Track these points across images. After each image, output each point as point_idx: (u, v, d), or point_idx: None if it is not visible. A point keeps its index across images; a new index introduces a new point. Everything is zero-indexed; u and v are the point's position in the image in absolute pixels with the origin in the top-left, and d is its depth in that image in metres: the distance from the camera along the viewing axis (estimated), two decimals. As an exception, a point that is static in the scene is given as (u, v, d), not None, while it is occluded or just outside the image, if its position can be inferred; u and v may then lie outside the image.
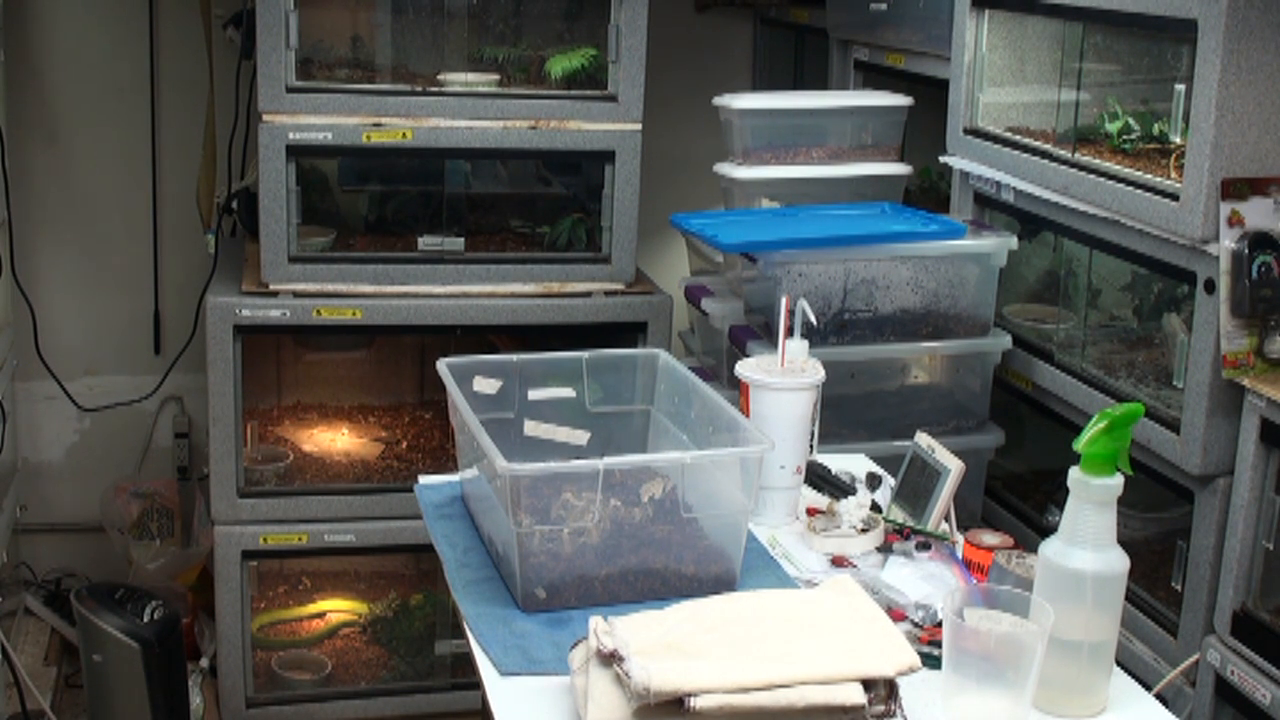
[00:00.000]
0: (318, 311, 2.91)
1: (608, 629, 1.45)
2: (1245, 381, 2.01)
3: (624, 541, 1.69)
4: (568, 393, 2.02)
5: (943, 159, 2.79)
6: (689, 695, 1.36)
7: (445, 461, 3.21)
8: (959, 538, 1.89)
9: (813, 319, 2.09)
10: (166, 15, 3.52)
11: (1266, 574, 2.04)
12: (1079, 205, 2.36)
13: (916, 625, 1.66)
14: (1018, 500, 2.69)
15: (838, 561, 1.86)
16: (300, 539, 3.03)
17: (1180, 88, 2.17)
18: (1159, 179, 2.19)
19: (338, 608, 3.34)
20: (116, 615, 2.81)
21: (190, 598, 3.40)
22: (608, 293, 3.04)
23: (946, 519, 1.92)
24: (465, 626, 1.68)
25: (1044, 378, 2.53)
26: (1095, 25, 2.42)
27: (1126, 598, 1.54)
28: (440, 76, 2.97)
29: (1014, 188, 2.55)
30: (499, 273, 3.00)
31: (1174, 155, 2.18)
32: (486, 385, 1.96)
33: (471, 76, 2.97)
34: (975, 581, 1.78)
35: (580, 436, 1.98)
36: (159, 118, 3.56)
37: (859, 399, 2.58)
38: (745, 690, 1.37)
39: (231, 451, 2.95)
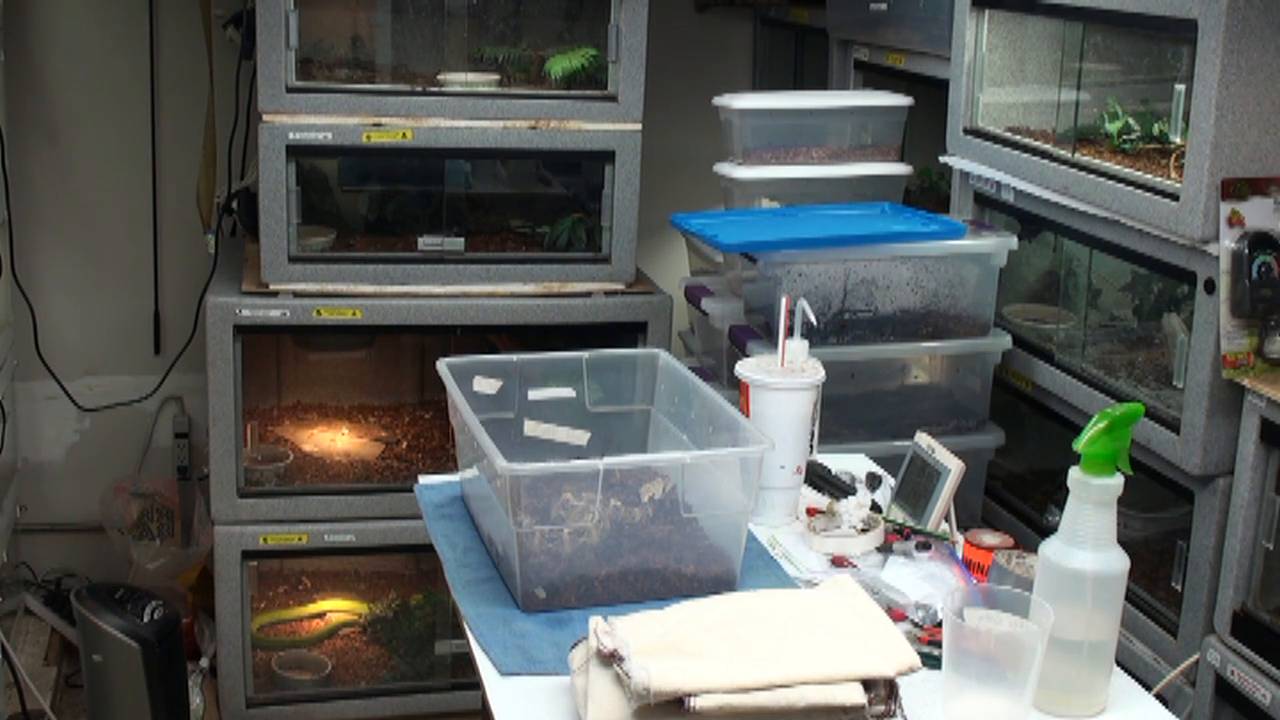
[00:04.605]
0: (318, 311, 2.91)
1: (608, 629, 1.45)
2: (1245, 381, 2.01)
3: (624, 541, 1.69)
4: (568, 393, 2.02)
5: (943, 159, 2.79)
6: (689, 695, 1.36)
7: (445, 461, 3.21)
8: (959, 538, 1.89)
9: (813, 319, 2.09)
10: (166, 15, 3.52)
11: (1266, 574, 2.04)
12: (1079, 205, 2.36)
13: (916, 625, 1.66)
14: (1018, 500, 2.69)
15: (838, 561, 1.86)
16: (300, 539, 3.03)
17: (1180, 88, 2.17)
18: (1159, 179, 2.19)
19: (338, 608, 3.34)
20: (116, 615, 2.81)
21: (190, 598, 3.40)
22: (608, 293, 3.04)
23: (946, 519, 1.92)
24: (465, 626, 1.68)
25: (1044, 378, 2.53)
26: (1095, 25, 2.42)
27: (1126, 598, 1.54)
28: (440, 76, 2.97)
29: (1014, 188, 2.55)
30: (499, 273, 3.00)
31: (1174, 155, 2.18)
32: (486, 385, 1.96)
33: (471, 76, 2.97)
34: (975, 581, 1.78)
35: (580, 436, 1.98)
36: (159, 118, 3.56)
37: (859, 399, 2.58)
38: (745, 690, 1.37)
39: (231, 451, 2.95)
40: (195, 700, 3.09)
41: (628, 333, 3.06)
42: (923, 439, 1.97)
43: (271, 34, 2.77)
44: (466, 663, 2.93)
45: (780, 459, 1.93)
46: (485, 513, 1.86)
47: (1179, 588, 2.21)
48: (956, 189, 2.79)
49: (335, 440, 3.36)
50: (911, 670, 1.44)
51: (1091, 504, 1.48)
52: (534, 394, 2.00)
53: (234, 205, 3.29)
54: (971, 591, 1.49)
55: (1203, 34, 2.01)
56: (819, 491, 2.06)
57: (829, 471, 2.11)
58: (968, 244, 2.53)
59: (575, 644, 1.49)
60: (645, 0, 2.91)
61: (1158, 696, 1.63)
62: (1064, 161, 2.41)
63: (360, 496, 3.07)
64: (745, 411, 1.95)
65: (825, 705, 1.38)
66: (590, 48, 3.00)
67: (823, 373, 1.98)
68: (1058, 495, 2.56)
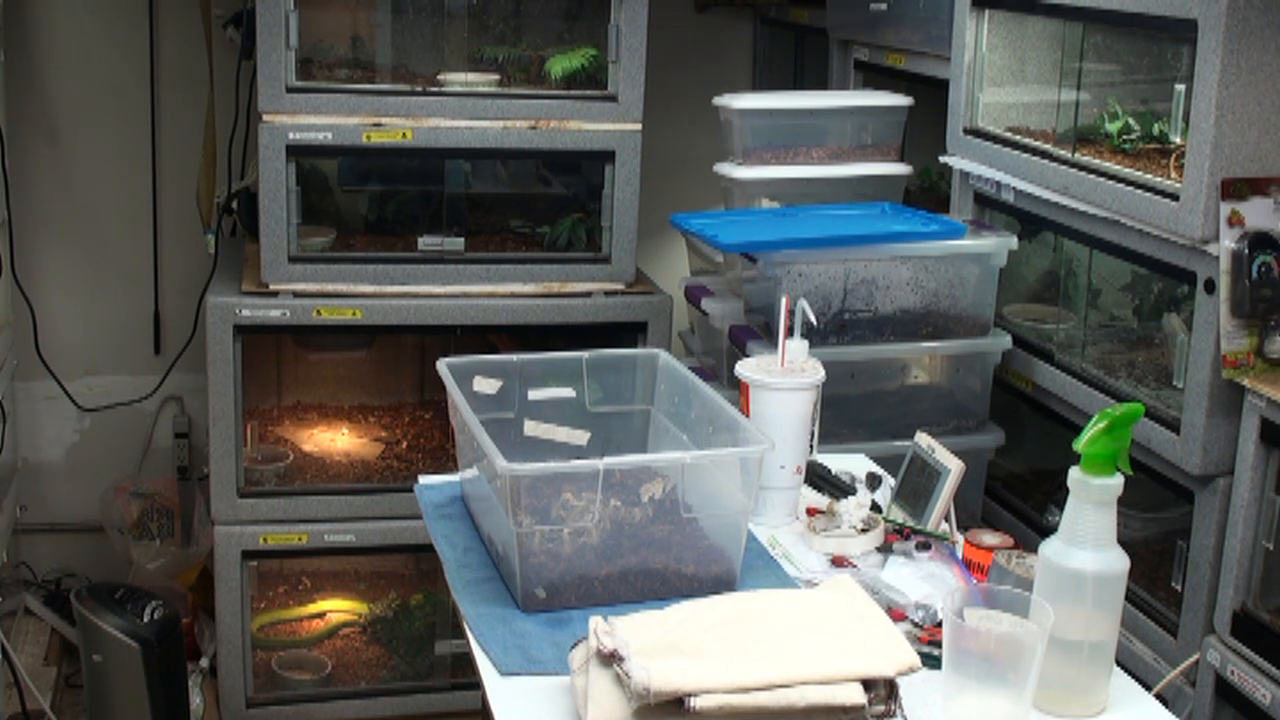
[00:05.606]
0: (318, 311, 2.91)
1: (608, 629, 1.45)
2: (1245, 381, 2.01)
3: (624, 541, 1.69)
4: (568, 393, 2.02)
5: (943, 159, 2.79)
6: (689, 695, 1.36)
7: (445, 461, 3.21)
8: (959, 538, 1.89)
9: (813, 319, 2.09)
10: (166, 15, 3.52)
11: (1266, 574, 2.04)
12: (1079, 205, 2.36)
13: (916, 625, 1.66)
14: (1018, 500, 2.69)
15: (838, 561, 1.86)
16: (300, 539, 3.03)
17: (1180, 88, 2.17)
18: (1159, 179, 2.19)
19: (338, 608, 3.35)
20: (116, 615, 2.81)
21: (190, 598, 3.40)
22: (608, 293, 3.04)
23: (946, 519, 1.92)
24: (465, 626, 1.68)
25: (1044, 378, 2.53)
26: (1095, 25, 2.42)
27: (1126, 598, 1.54)
28: (440, 76, 2.97)
29: (1014, 188, 2.55)
30: (499, 273, 3.00)
31: (1174, 155, 2.18)
32: (486, 385, 1.96)
33: (471, 76, 2.97)
34: (975, 581, 1.78)
35: (580, 436, 1.98)
36: (159, 118, 3.56)
37: (859, 399, 2.58)
38: (745, 690, 1.37)
39: (231, 451, 2.95)
40: (195, 700, 3.09)
41: (628, 333, 3.06)
42: (923, 439, 1.97)
43: (271, 34, 2.77)
44: (466, 663, 2.93)
45: (780, 459, 1.93)
46: (485, 513, 1.86)
47: (1179, 588, 2.21)
48: (956, 189, 2.79)
49: (335, 440, 3.36)
50: (911, 670, 1.44)
51: (1091, 504, 1.48)
52: (534, 394, 2.00)
53: (234, 205, 3.29)
54: (971, 591, 1.49)
55: (1203, 34, 2.01)
56: (819, 491, 2.06)
57: (829, 471, 2.11)
58: (968, 244, 2.53)
59: (575, 644, 1.49)
60: (645, 0, 2.91)
61: (1158, 696, 1.63)
62: (1064, 161, 2.41)
63: (360, 496, 3.07)
64: (745, 411, 1.95)
65: (825, 705, 1.38)
66: (590, 48, 3.00)
67: (823, 373, 1.98)
68: (1058, 495, 2.56)
